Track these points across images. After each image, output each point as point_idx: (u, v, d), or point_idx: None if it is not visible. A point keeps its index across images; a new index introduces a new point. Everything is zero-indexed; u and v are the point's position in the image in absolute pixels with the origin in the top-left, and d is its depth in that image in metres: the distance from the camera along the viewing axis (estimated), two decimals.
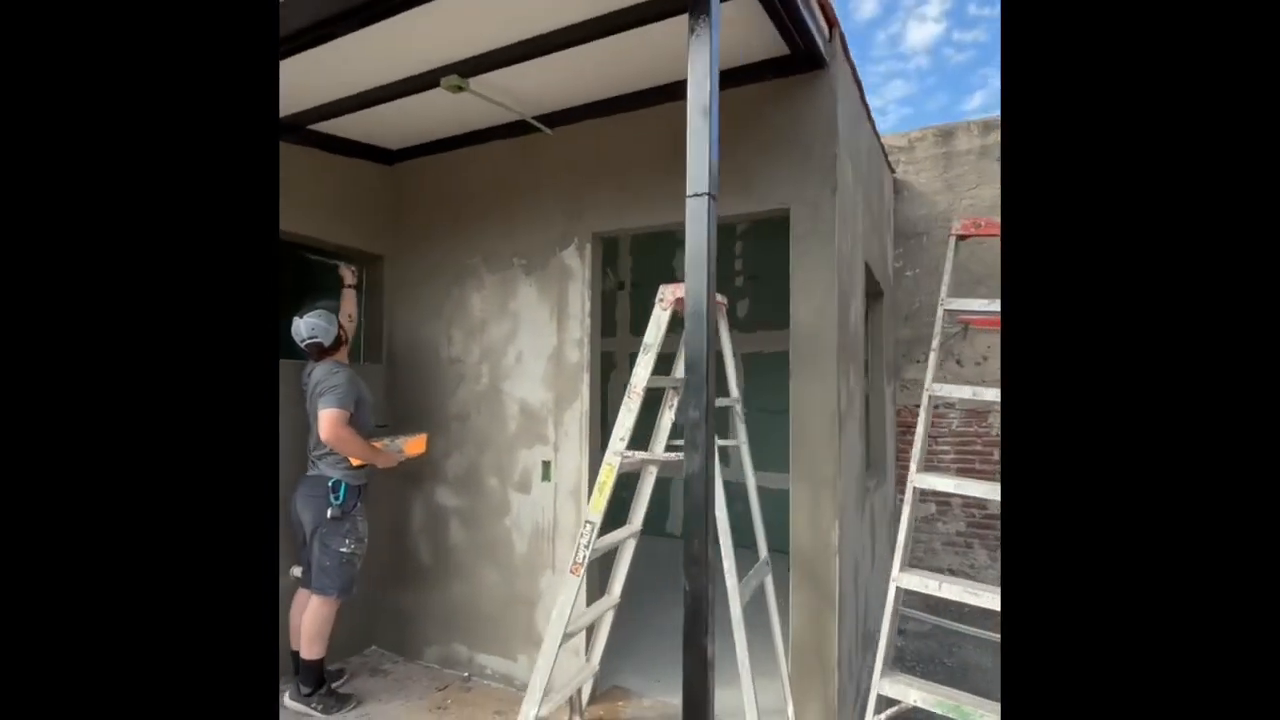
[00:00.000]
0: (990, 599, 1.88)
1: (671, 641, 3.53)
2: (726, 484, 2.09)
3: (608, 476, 2.19)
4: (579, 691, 2.70)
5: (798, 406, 2.49)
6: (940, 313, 2.25)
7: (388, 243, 3.60)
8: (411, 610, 3.47)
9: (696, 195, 1.36)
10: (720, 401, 2.46)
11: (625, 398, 2.20)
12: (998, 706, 1.84)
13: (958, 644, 4.28)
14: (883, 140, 5.60)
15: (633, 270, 6.50)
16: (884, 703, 1.94)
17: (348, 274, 3.27)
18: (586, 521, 2.20)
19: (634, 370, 2.22)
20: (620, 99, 2.88)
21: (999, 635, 3.02)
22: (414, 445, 3.03)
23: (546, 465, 3.07)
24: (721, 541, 2.04)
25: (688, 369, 1.35)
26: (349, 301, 3.22)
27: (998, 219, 2.29)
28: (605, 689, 3.06)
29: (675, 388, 2.54)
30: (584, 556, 2.20)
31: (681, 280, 1.59)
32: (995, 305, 2.24)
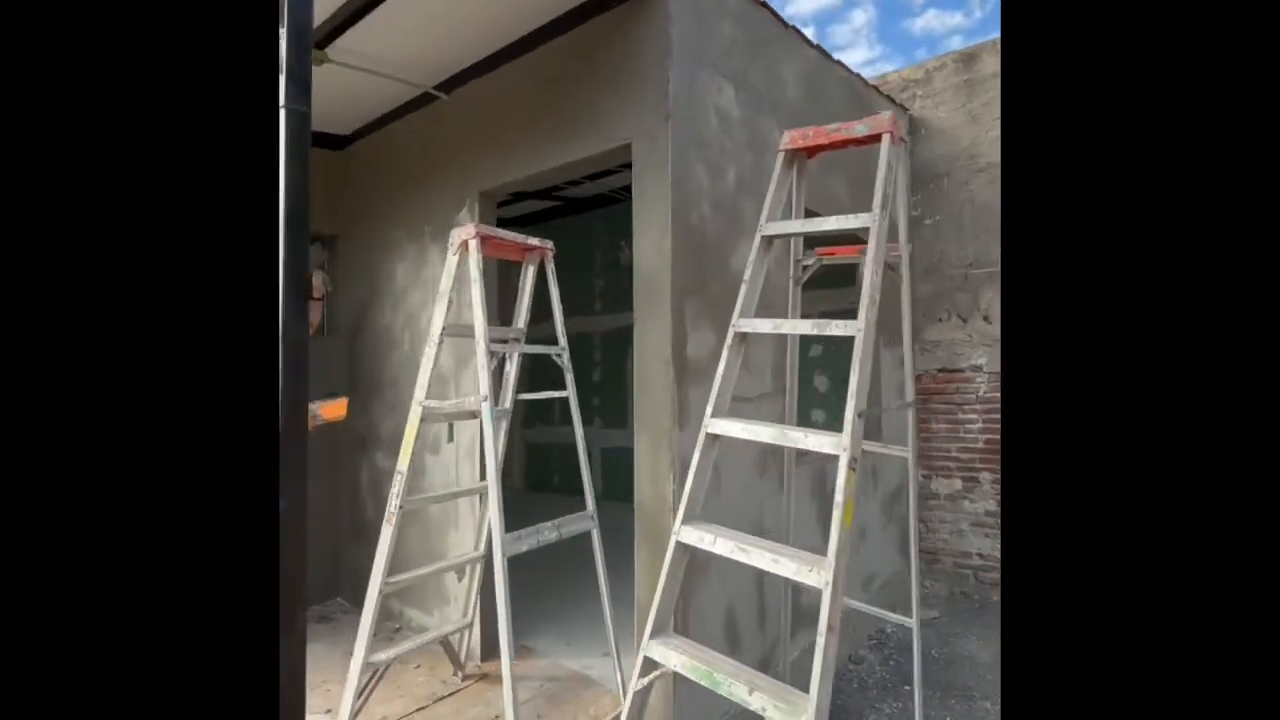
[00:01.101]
0: (759, 556, 1.63)
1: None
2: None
3: (411, 428, 2.18)
4: (454, 644, 2.73)
5: (639, 353, 2.33)
6: (757, 240, 1.97)
7: (340, 223, 3.84)
8: (365, 565, 3.69)
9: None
10: (537, 349, 2.37)
11: (425, 346, 2.18)
12: (756, 676, 1.60)
13: (959, 634, 3.79)
14: (900, 75, 5.02)
15: None
16: (651, 665, 1.77)
17: (318, 285, 3.48)
18: (397, 472, 2.22)
19: (432, 319, 2.19)
20: (495, 56, 2.85)
21: (896, 614, 2.62)
22: (331, 409, 3.17)
23: (450, 427, 3.12)
24: (489, 489, 1.96)
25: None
26: (314, 314, 3.42)
27: (834, 127, 1.95)
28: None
29: (517, 338, 2.48)
30: (395, 506, 2.23)
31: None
32: (812, 225, 1.92)
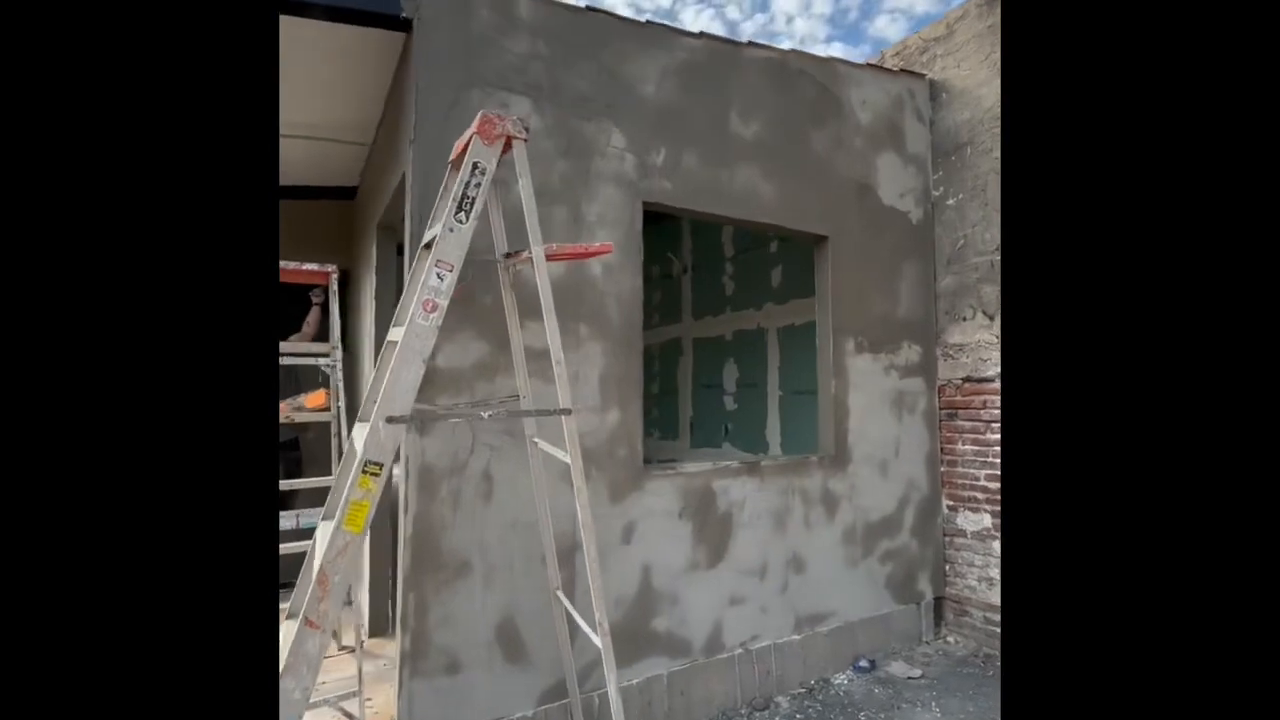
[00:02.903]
0: (320, 548, 1.70)
1: None
2: None
3: None
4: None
5: None
6: (419, 249, 2.01)
7: (351, 262, 4.61)
8: None
9: None
10: (313, 360, 2.65)
11: None
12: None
13: (919, 702, 3.12)
14: (920, 36, 4.30)
15: (693, 253, 6.27)
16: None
17: (314, 295, 4.29)
18: None
19: None
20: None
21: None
22: (313, 399, 3.87)
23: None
24: None
25: None
26: (313, 315, 4.23)
27: (466, 135, 1.91)
28: None
29: (327, 354, 2.82)
30: None
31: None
32: (428, 235, 1.90)
